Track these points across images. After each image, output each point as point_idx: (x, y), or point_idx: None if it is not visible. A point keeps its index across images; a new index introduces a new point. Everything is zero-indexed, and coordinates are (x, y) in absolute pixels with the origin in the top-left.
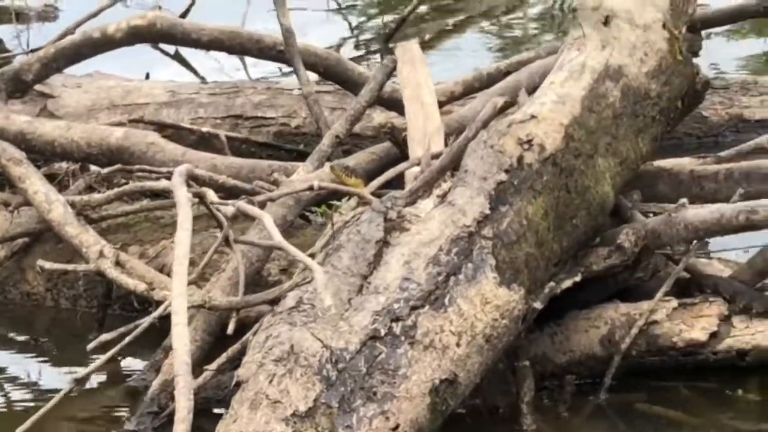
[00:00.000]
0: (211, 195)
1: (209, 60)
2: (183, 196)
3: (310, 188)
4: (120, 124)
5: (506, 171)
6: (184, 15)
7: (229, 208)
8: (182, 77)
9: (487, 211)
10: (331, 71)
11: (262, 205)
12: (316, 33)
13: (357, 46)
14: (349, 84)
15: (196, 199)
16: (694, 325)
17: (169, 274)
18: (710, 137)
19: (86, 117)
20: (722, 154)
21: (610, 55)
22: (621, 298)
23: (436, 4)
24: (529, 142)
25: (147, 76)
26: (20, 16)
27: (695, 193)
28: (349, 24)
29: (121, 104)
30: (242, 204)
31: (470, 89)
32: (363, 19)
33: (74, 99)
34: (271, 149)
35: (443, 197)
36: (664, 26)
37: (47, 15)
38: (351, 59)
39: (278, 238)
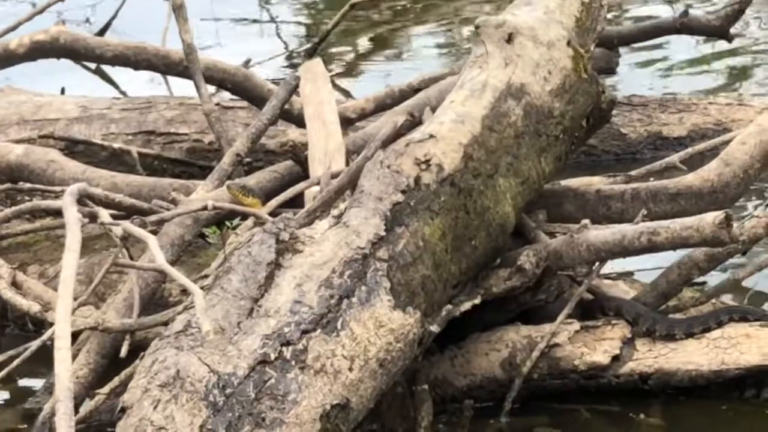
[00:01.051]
0: (104, 215)
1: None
2: (72, 216)
3: (204, 208)
4: (30, 139)
5: (403, 191)
6: (103, 31)
7: (119, 228)
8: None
9: (382, 233)
10: (239, 87)
11: (158, 225)
12: (252, 46)
13: (291, 59)
14: (258, 101)
15: (86, 219)
16: (597, 347)
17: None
18: (629, 154)
19: None
20: (632, 173)
21: (512, 73)
22: (525, 320)
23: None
24: (427, 162)
25: (62, 91)
26: None
27: (602, 213)
28: (281, 38)
29: (31, 120)
30: (128, 225)
31: (382, 106)
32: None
33: None
34: (183, 165)
35: (339, 218)
36: (568, 44)
37: None
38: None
39: (161, 260)
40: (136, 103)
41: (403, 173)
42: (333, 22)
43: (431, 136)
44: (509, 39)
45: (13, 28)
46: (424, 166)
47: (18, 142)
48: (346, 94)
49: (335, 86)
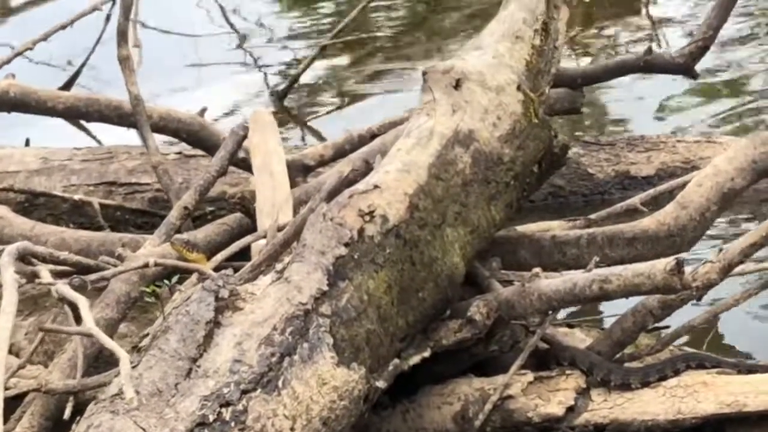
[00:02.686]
0: (45, 274)
1: None
2: (9, 276)
3: (146, 265)
4: None
5: (346, 244)
6: (71, 81)
7: (58, 286)
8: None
9: (325, 288)
10: (194, 137)
11: (111, 280)
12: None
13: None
14: (213, 150)
15: (24, 280)
16: (551, 399)
17: (17, 354)
18: (597, 195)
19: None
20: (593, 216)
21: (461, 119)
22: (480, 371)
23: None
24: (371, 213)
25: (27, 143)
26: None
27: (557, 259)
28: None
29: None
30: (60, 287)
31: (341, 152)
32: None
33: None
34: (146, 216)
35: (281, 273)
36: (518, 88)
37: None
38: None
39: (89, 324)
40: (97, 153)
41: (346, 225)
42: (303, 65)
43: (376, 186)
44: (457, 85)
45: None
46: (368, 218)
47: None
48: (318, 136)
49: (307, 128)
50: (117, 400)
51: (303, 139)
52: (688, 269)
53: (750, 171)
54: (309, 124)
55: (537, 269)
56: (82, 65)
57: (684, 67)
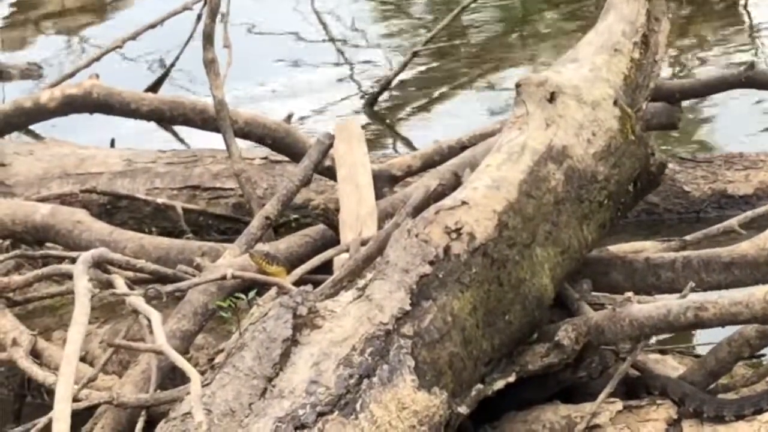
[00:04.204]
0: (119, 284)
1: None
2: (82, 286)
3: (224, 277)
4: (72, 194)
5: (431, 263)
6: (158, 83)
7: (131, 298)
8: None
9: (408, 307)
10: (280, 143)
11: (189, 291)
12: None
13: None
14: (300, 157)
15: (97, 290)
16: (640, 429)
17: (91, 363)
18: (692, 213)
19: (38, 186)
20: (688, 237)
21: (554, 134)
22: (566, 397)
23: None
24: (458, 230)
25: (112, 143)
26: (2, 74)
27: (651, 282)
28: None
29: (74, 173)
30: (133, 299)
31: (429, 163)
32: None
33: (25, 167)
34: (229, 222)
35: (362, 290)
36: (615, 103)
37: (30, 73)
38: None
39: (161, 340)
40: (182, 156)
41: (431, 243)
42: (395, 71)
43: (463, 202)
44: (551, 98)
45: (71, 75)
46: (454, 235)
47: (59, 196)
48: (407, 143)
49: (397, 134)
50: (188, 419)
51: (394, 146)
52: None
53: None
54: (398, 131)
55: (629, 293)
56: (171, 66)
57: None
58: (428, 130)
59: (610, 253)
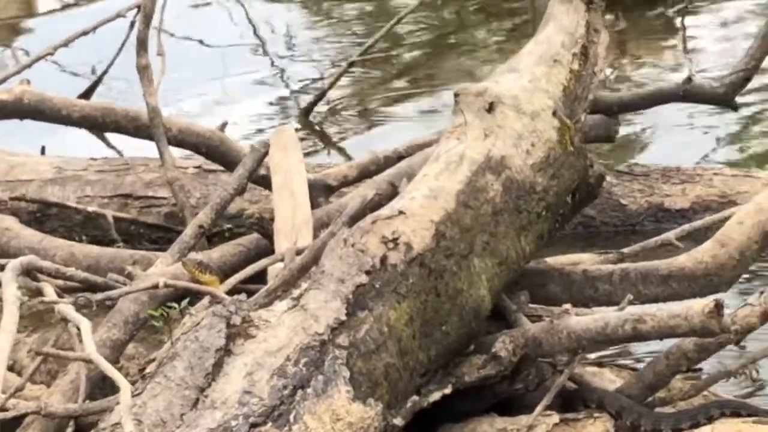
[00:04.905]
0: (49, 292)
1: None
2: (10, 294)
3: (156, 286)
4: (1, 201)
5: (367, 272)
6: (88, 93)
7: (60, 306)
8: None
9: (343, 317)
10: (214, 152)
11: (119, 300)
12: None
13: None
14: (234, 166)
15: (26, 298)
16: None
17: (19, 372)
18: (628, 226)
19: None
20: (625, 250)
21: (493, 145)
22: (504, 409)
23: None
24: (395, 240)
25: (42, 151)
26: None
27: (588, 295)
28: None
29: (3, 180)
30: (63, 307)
31: (366, 173)
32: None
33: None
34: (161, 231)
35: (297, 300)
36: (554, 114)
37: None
38: None
39: (90, 349)
40: (114, 164)
41: (368, 252)
42: (330, 81)
43: (400, 212)
44: (490, 108)
45: (2, 82)
46: (391, 245)
47: None
48: (343, 154)
49: (332, 144)
50: (118, 429)
51: (328, 155)
52: (727, 312)
53: None
54: (334, 141)
55: (567, 305)
56: (103, 74)
57: (724, 97)
58: (363, 140)
59: (548, 265)
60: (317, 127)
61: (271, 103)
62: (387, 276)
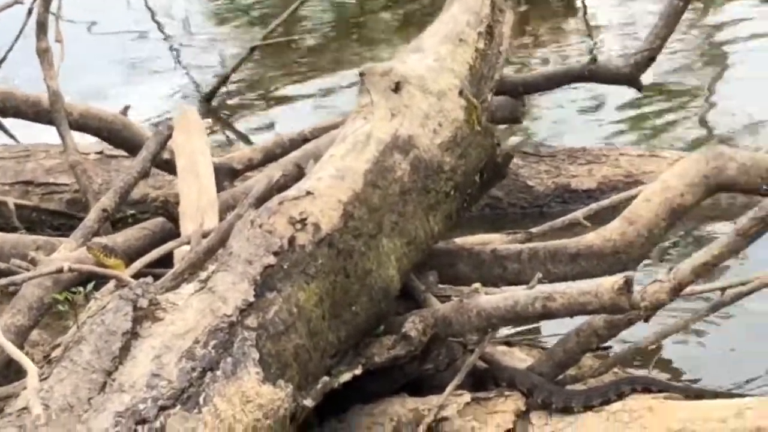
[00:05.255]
0: None
1: None
2: None
3: (60, 270)
4: None
5: (275, 254)
6: None
7: None
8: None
9: (252, 299)
10: (116, 136)
11: (23, 285)
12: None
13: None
14: (136, 150)
15: None
16: (488, 421)
17: None
18: (535, 207)
19: None
20: (533, 230)
21: (399, 124)
22: (415, 390)
23: None
24: (303, 221)
25: None
26: None
27: (497, 274)
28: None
29: None
30: None
31: (271, 156)
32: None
33: None
34: (64, 217)
35: (205, 282)
36: (461, 93)
37: None
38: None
39: None
40: (14, 151)
41: (275, 233)
42: (232, 67)
43: (308, 192)
44: (396, 88)
45: None
46: (299, 226)
47: None
48: (245, 139)
49: (234, 130)
50: (25, 414)
51: (229, 142)
52: (636, 288)
53: (701, 187)
54: (236, 126)
55: (476, 284)
56: (1, 61)
57: (629, 77)
58: (266, 125)
59: (457, 245)
60: (219, 112)
61: (172, 89)
62: (295, 257)
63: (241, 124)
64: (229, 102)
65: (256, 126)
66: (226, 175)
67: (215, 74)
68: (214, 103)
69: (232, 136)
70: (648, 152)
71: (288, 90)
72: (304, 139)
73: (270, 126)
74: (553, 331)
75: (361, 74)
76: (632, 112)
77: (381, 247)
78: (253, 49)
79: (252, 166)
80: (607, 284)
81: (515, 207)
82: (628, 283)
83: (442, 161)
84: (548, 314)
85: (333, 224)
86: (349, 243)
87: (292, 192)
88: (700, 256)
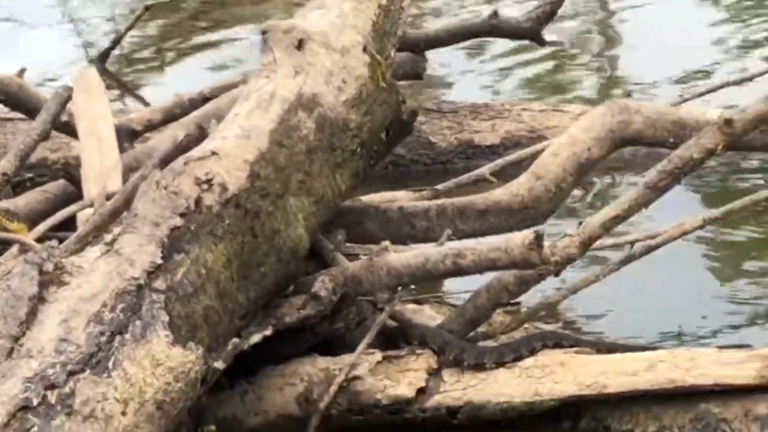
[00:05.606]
0: None
1: None
2: None
3: None
4: None
5: (182, 215)
6: None
7: None
8: None
9: (159, 261)
10: (12, 98)
11: None
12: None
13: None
14: (34, 113)
15: None
16: (400, 379)
17: None
18: (439, 164)
19: None
20: (440, 186)
21: (303, 82)
22: (324, 350)
23: None
24: (209, 181)
25: None
26: None
27: (406, 232)
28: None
29: None
30: None
31: (170, 117)
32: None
33: None
34: None
35: (111, 245)
36: (365, 50)
37: None
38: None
39: None
40: None
41: (181, 194)
42: (126, 26)
43: (213, 153)
44: (299, 45)
45: None
46: (205, 187)
47: None
48: (141, 101)
49: (131, 93)
50: None
51: (124, 102)
52: (546, 243)
53: (608, 141)
54: (131, 87)
55: (386, 242)
56: None
57: (531, 31)
58: (161, 85)
59: (364, 203)
60: (113, 73)
61: (65, 50)
62: (202, 218)
63: (135, 84)
64: (123, 62)
65: (150, 86)
66: (125, 136)
67: (108, 32)
68: (108, 64)
69: (126, 96)
70: (551, 107)
71: (182, 50)
72: (204, 99)
73: (167, 86)
74: (459, 288)
75: (263, 32)
76: (532, 69)
77: (288, 206)
78: (147, 8)
79: (151, 126)
80: (517, 240)
81: (418, 164)
82: (538, 238)
83: (348, 119)
84: (459, 271)
85: (240, 184)
86: (257, 203)
87: (197, 152)
88: (610, 210)
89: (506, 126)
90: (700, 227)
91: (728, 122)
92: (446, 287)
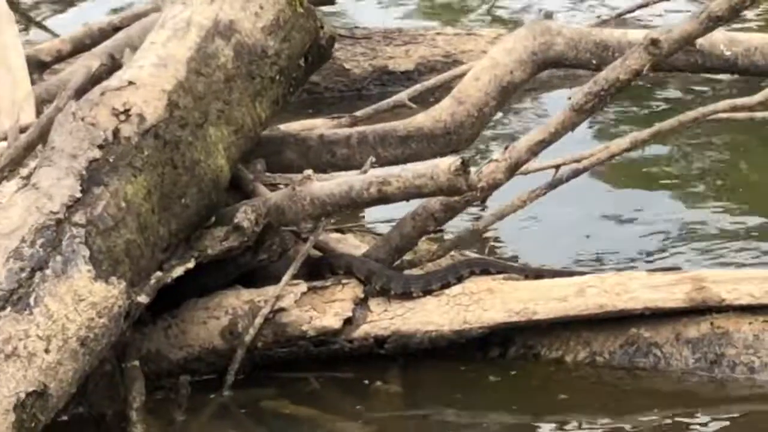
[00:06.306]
0: None
1: None
2: None
3: None
4: None
5: (100, 147)
6: None
7: None
8: None
9: (78, 194)
10: None
11: None
12: None
13: None
14: None
15: None
16: (327, 310)
17: None
18: (353, 91)
19: None
20: (358, 113)
21: (220, 8)
22: (248, 282)
23: None
24: (126, 112)
25: None
26: None
27: (326, 160)
28: None
29: None
30: None
31: (80, 47)
32: None
33: None
34: None
35: (28, 179)
36: None
37: None
38: None
39: None
40: None
41: (99, 126)
42: None
43: (130, 82)
44: None
45: None
46: (123, 117)
47: None
48: (45, 29)
49: (39, 25)
50: None
51: (26, 32)
52: (472, 169)
53: (530, 63)
54: (34, 18)
55: (308, 171)
56: None
57: None
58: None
59: (282, 132)
60: (16, 5)
61: None
62: (121, 149)
63: (38, 15)
64: None
65: (54, 17)
66: (34, 67)
67: None
68: None
69: (30, 27)
70: (465, 31)
71: None
72: (115, 29)
73: (69, 17)
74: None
75: None
76: None
77: (208, 136)
78: None
79: (61, 57)
80: (443, 165)
81: (333, 91)
82: (464, 164)
83: (266, 45)
84: (384, 199)
85: (158, 114)
86: (176, 133)
87: (113, 82)
88: (536, 134)
89: (420, 51)
90: (628, 150)
91: (655, 42)
92: (368, 216)
